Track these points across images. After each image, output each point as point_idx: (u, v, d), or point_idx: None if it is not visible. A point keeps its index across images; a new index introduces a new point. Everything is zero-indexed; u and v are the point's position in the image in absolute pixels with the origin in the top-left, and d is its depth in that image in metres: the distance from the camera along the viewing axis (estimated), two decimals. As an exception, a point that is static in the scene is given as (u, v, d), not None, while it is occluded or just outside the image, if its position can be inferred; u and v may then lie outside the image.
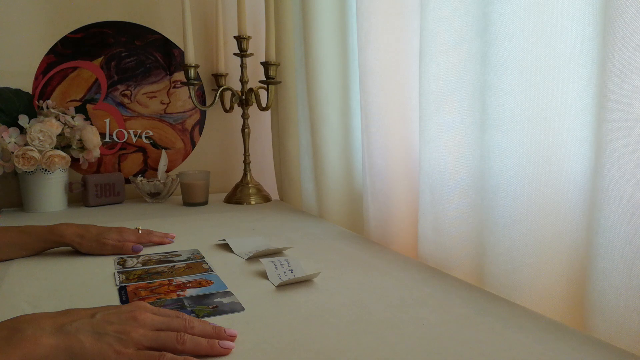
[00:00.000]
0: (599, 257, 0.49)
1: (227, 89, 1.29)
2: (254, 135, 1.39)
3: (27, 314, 0.43)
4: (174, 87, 1.38)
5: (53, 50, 1.25)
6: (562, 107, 0.55)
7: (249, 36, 1.23)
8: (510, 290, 0.60)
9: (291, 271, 0.67)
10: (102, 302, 0.58)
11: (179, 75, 1.38)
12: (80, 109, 1.29)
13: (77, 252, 0.78)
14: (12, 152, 1.09)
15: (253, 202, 1.25)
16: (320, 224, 1.00)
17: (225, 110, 1.39)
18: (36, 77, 1.25)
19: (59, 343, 0.40)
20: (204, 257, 0.76)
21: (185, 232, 0.93)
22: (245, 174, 1.30)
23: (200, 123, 1.43)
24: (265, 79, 1.20)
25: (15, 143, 1.10)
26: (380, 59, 0.81)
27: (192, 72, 1.19)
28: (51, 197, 1.17)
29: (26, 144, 1.10)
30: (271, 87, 1.21)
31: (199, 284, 0.63)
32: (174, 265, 0.71)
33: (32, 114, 1.16)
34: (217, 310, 0.55)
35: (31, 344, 0.39)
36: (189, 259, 0.75)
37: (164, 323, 0.45)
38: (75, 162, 1.23)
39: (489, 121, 0.61)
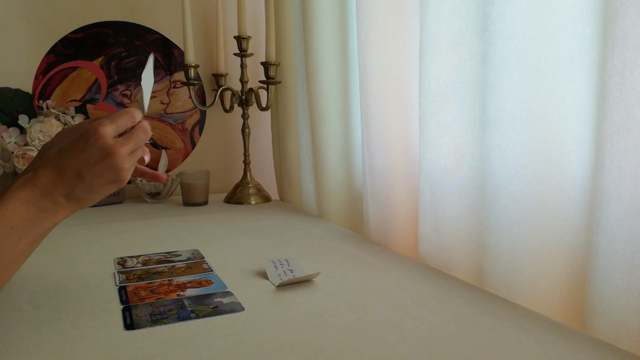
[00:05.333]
0: (599, 257, 0.49)
1: (227, 89, 1.29)
2: (254, 135, 1.39)
3: (32, 190, 0.48)
4: (174, 87, 1.38)
5: (53, 50, 1.25)
6: (562, 107, 0.55)
7: (249, 36, 1.23)
8: (510, 290, 0.60)
9: (291, 271, 0.67)
10: (102, 302, 0.58)
11: (179, 75, 1.38)
12: (80, 109, 1.29)
13: (76, 252, 0.78)
14: (12, 152, 1.09)
15: (253, 202, 1.25)
16: (320, 224, 1.00)
17: (225, 110, 1.38)
18: (36, 77, 1.25)
19: (73, 211, 0.50)
20: (204, 257, 0.76)
21: (185, 232, 0.93)
22: (245, 174, 1.30)
23: (200, 123, 1.43)
24: (265, 79, 1.20)
25: (15, 143, 1.10)
26: (380, 59, 0.81)
27: (192, 72, 1.19)
28: (51, 197, 1.16)
29: (26, 144, 1.10)
30: (271, 87, 1.21)
31: (199, 284, 0.63)
32: (174, 265, 0.71)
33: (32, 114, 1.16)
34: (217, 310, 0.55)
35: (53, 219, 0.49)
36: (189, 259, 0.75)
37: (134, 142, 0.51)
38: (75, 162, 1.23)
39: (489, 121, 0.61)
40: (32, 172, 0.49)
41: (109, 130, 0.49)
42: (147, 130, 0.53)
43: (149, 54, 1.32)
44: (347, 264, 0.72)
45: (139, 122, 0.53)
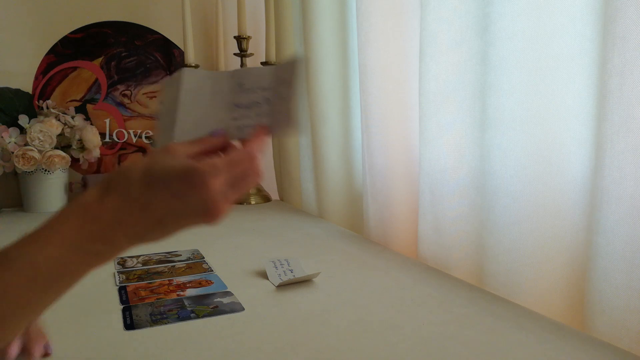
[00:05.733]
0: (599, 257, 0.49)
1: (227, 89, 1.29)
2: (254, 135, 1.38)
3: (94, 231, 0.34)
4: (174, 87, 1.38)
5: (53, 50, 1.25)
6: (562, 107, 0.55)
7: (249, 36, 1.23)
8: (510, 290, 0.60)
9: (291, 271, 0.67)
10: (102, 302, 0.58)
11: (179, 75, 1.38)
12: (80, 109, 1.29)
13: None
14: (12, 152, 1.09)
15: (253, 202, 1.25)
16: (320, 224, 1.00)
17: (225, 110, 1.38)
18: (36, 77, 1.25)
19: (125, 250, 0.37)
20: (204, 257, 0.76)
21: (185, 232, 0.92)
22: (245, 174, 1.30)
23: (200, 123, 1.42)
24: (265, 79, 1.20)
25: (15, 143, 1.10)
26: (380, 59, 0.81)
27: (192, 72, 1.19)
28: (51, 197, 1.17)
29: (26, 144, 1.10)
30: (271, 87, 1.21)
31: (199, 284, 0.63)
32: (174, 265, 0.71)
33: (32, 114, 1.16)
34: (217, 310, 0.55)
35: (100, 264, 0.36)
36: (189, 259, 0.75)
37: (242, 192, 0.37)
38: (75, 162, 1.23)
39: (489, 121, 0.61)
40: (99, 195, 0.35)
41: (219, 183, 0.35)
42: (260, 175, 0.38)
43: (148, 53, 1.32)
44: (347, 264, 0.72)
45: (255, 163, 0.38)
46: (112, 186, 0.35)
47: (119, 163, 1.34)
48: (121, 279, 0.65)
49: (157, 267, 0.70)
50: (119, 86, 1.33)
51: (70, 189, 1.21)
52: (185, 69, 0.42)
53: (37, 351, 0.44)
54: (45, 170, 1.14)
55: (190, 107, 0.42)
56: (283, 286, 0.63)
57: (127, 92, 1.34)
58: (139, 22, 1.33)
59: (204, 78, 0.42)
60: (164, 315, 0.53)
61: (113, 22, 1.30)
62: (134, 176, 0.35)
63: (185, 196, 0.35)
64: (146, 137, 1.36)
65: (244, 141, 0.41)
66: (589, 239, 0.52)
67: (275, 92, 0.42)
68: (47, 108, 1.19)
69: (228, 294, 0.60)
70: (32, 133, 1.09)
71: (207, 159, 0.36)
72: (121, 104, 1.33)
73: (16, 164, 1.08)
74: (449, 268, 0.70)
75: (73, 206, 0.35)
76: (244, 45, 1.24)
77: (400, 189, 0.84)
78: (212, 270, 0.69)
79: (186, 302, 0.57)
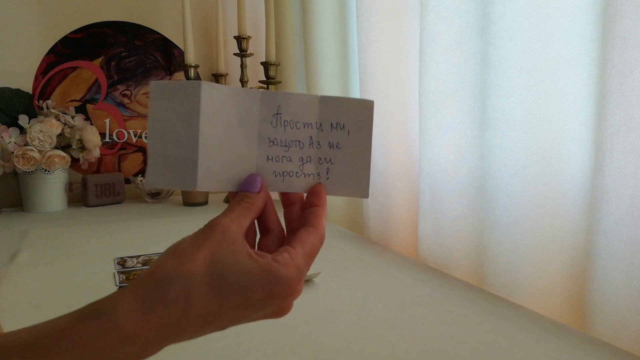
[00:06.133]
0: (599, 257, 0.49)
1: (227, 89, 1.29)
2: (254, 135, 1.38)
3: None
4: (174, 87, 1.38)
5: (53, 50, 1.25)
6: (562, 107, 0.55)
7: (249, 36, 1.24)
8: (510, 290, 0.60)
9: (291, 271, 0.67)
10: (102, 302, 0.58)
11: (179, 76, 1.38)
12: (80, 109, 1.29)
13: (76, 252, 0.78)
14: (12, 152, 1.09)
15: (253, 202, 1.25)
16: (320, 224, 1.00)
17: (225, 110, 1.38)
18: (36, 77, 1.25)
19: None
20: (204, 257, 0.76)
21: (185, 232, 0.92)
22: (245, 174, 1.30)
23: (200, 123, 1.42)
24: (265, 79, 1.20)
25: (15, 143, 1.10)
26: (380, 59, 0.81)
27: (192, 72, 1.19)
28: (51, 197, 1.17)
29: (26, 144, 1.10)
30: (271, 87, 1.21)
31: (199, 284, 0.63)
32: (174, 265, 0.71)
33: (32, 114, 1.16)
34: (217, 310, 0.55)
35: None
36: (189, 259, 0.75)
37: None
38: (75, 162, 1.23)
39: (489, 121, 0.61)
40: (142, 308, 0.26)
41: (301, 289, 0.30)
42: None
43: (148, 53, 1.32)
44: (347, 264, 0.72)
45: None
46: (163, 296, 0.27)
47: (119, 163, 1.34)
48: (121, 279, 0.65)
49: (157, 267, 0.70)
50: (119, 86, 1.33)
51: (70, 189, 1.21)
52: (204, 83, 0.30)
53: None
54: (45, 170, 1.14)
55: (212, 138, 0.31)
56: (283, 286, 0.63)
57: (127, 92, 1.34)
58: (139, 22, 1.33)
59: (227, 97, 0.32)
60: (164, 315, 0.53)
61: (113, 22, 1.30)
62: (196, 282, 0.27)
63: (266, 306, 0.29)
64: (146, 137, 1.36)
65: (287, 196, 0.34)
66: (589, 239, 0.52)
67: (334, 140, 0.34)
68: (47, 108, 1.19)
69: (228, 294, 0.60)
70: (32, 133, 1.09)
71: (287, 256, 0.29)
72: (121, 104, 1.33)
73: (16, 164, 1.09)
74: (449, 268, 0.70)
75: (104, 319, 0.26)
76: (244, 45, 1.24)
77: (400, 189, 0.84)
78: (212, 270, 0.69)
79: (186, 302, 0.57)
